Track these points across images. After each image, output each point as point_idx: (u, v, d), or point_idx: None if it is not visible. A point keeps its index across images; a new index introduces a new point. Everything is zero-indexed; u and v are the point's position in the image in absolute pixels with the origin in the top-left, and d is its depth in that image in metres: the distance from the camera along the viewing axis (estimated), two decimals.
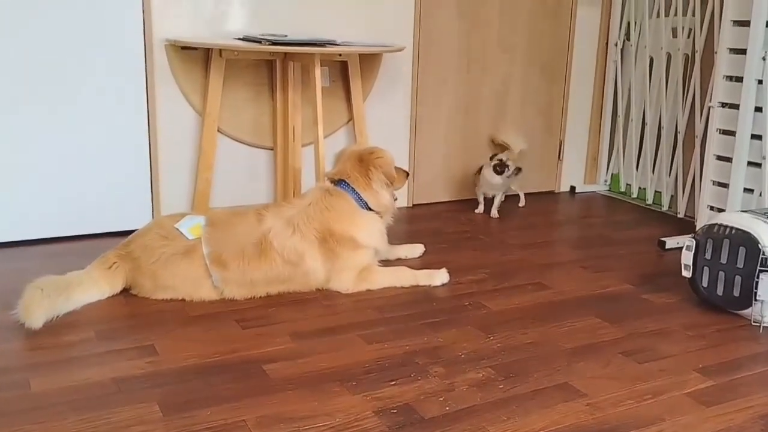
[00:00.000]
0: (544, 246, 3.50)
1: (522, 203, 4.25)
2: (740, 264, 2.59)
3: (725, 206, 3.35)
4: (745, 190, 3.31)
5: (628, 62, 4.42)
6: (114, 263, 2.68)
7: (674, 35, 4.09)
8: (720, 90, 3.40)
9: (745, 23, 3.24)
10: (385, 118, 4.00)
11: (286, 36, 3.37)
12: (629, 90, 4.42)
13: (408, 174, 3.09)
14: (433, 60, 4.08)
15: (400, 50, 3.49)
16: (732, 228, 2.63)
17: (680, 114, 4.05)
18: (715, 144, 3.44)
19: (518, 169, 3.97)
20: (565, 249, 3.46)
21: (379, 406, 1.95)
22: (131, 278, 2.68)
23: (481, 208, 4.07)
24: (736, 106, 3.31)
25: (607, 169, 4.66)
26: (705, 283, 2.71)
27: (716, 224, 2.69)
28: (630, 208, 4.29)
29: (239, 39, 3.38)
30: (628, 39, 4.40)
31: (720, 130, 3.42)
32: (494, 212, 3.98)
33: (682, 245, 2.83)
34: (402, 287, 2.86)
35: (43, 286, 2.42)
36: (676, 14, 4.05)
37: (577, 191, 4.66)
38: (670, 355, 2.34)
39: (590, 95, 4.62)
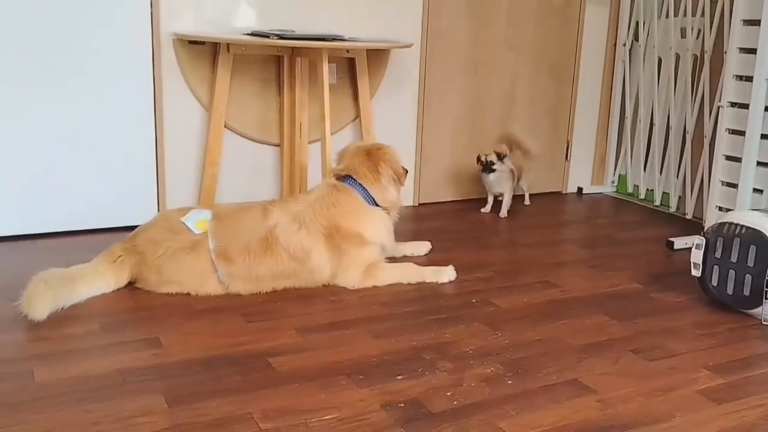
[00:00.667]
0: (551, 245, 3.47)
1: (527, 202, 4.23)
2: (751, 263, 2.56)
3: (734, 207, 3.32)
4: (755, 190, 3.29)
5: (636, 63, 4.40)
6: (119, 256, 2.67)
7: (683, 36, 4.07)
8: (730, 89, 3.37)
9: (756, 22, 3.21)
10: (392, 116, 3.98)
11: (293, 32, 3.35)
12: (637, 90, 4.40)
13: (407, 171, 3.07)
14: (441, 59, 4.07)
15: (408, 46, 3.48)
16: (742, 226, 2.61)
17: (689, 114, 4.03)
18: (724, 144, 3.42)
19: (511, 172, 3.91)
20: (572, 248, 3.44)
21: (386, 400, 1.93)
22: (137, 272, 2.67)
23: (488, 207, 4.05)
24: (745, 106, 3.29)
25: (615, 170, 4.64)
26: (715, 282, 2.68)
27: (726, 223, 2.67)
28: (637, 209, 4.26)
29: (247, 34, 3.36)
30: (637, 39, 4.38)
31: (729, 129, 3.39)
32: (503, 212, 3.95)
33: (690, 246, 2.80)
34: (408, 284, 2.84)
35: (48, 279, 2.40)
36: (685, 15, 4.04)
37: (584, 192, 4.63)
38: (680, 353, 2.31)
39: (598, 96, 4.60)
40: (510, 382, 2.06)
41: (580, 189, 4.66)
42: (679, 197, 4.16)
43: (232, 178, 3.64)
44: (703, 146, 3.92)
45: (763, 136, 3.23)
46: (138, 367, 2.07)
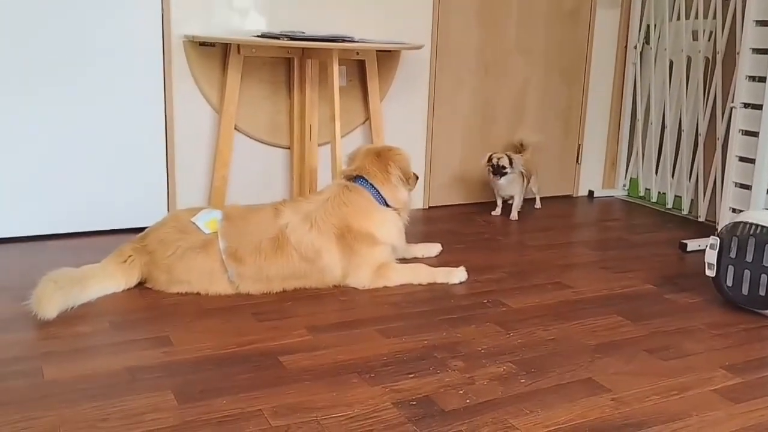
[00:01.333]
0: (563, 247, 3.45)
1: (537, 205, 4.21)
2: (766, 262, 2.53)
3: (748, 209, 3.28)
4: None
5: (647, 65, 4.38)
6: (129, 256, 2.66)
7: (694, 38, 4.05)
8: (743, 90, 3.35)
9: None
10: (402, 119, 3.97)
11: (303, 33, 3.35)
12: (648, 93, 4.37)
13: (417, 177, 3.06)
14: (451, 62, 4.06)
15: (418, 48, 3.47)
16: (758, 226, 2.58)
17: (701, 116, 4.00)
18: (737, 145, 3.39)
19: (521, 175, 3.89)
20: (584, 250, 3.41)
21: (398, 398, 1.91)
22: (146, 272, 2.66)
23: (498, 210, 4.03)
24: (759, 107, 3.26)
25: (626, 173, 4.61)
26: (729, 283, 2.65)
27: (741, 222, 2.64)
28: (649, 212, 4.23)
29: (257, 36, 3.36)
30: (648, 42, 4.36)
31: (743, 131, 3.36)
32: (514, 215, 3.93)
33: (703, 248, 2.77)
34: (419, 284, 2.82)
35: (57, 279, 2.40)
36: (696, 17, 4.01)
37: (595, 196, 4.60)
38: (694, 353, 2.28)
39: (609, 99, 4.58)
40: (523, 380, 2.04)
41: (591, 192, 4.63)
42: (692, 200, 4.12)
43: (242, 181, 3.63)
44: (715, 148, 3.89)
45: None
46: (147, 364, 2.05)
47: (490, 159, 3.84)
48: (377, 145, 3.29)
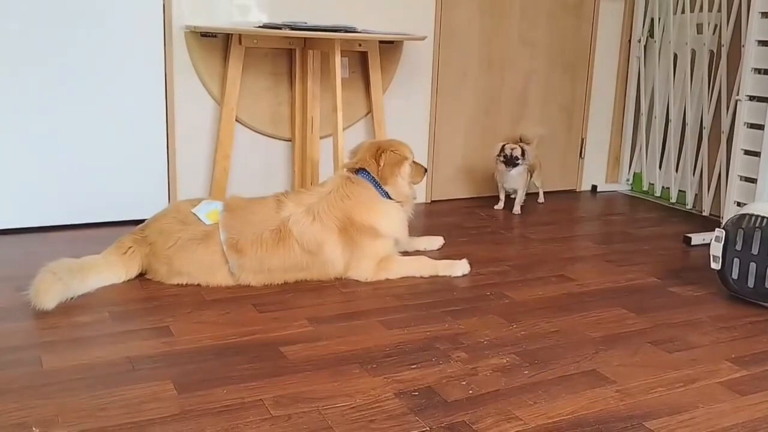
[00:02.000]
0: (566, 241, 3.42)
1: (541, 200, 4.19)
2: None
3: (753, 202, 3.26)
4: None
5: (651, 59, 4.35)
6: (130, 248, 2.64)
7: (699, 31, 4.02)
8: (748, 83, 3.32)
9: None
10: (405, 112, 3.95)
11: (305, 23, 3.33)
12: (652, 87, 4.34)
13: (426, 170, 3.03)
14: (454, 55, 4.03)
15: (421, 39, 3.44)
16: (764, 218, 2.55)
17: (705, 110, 3.97)
18: (742, 138, 3.36)
19: (525, 168, 3.87)
20: (587, 244, 3.38)
21: (400, 389, 1.89)
22: (147, 263, 2.64)
23: (501, 204, 4.00)
24: (764, 99, 3.23)
25: (630, 167, 4.58)
26: (735, 275, 2.62)
27: (747, 214, 2.61)
28: (653, 207, 4.20)
29: (259, 27, 3.34)
30: (652, 36, 4.33)
31: (748, 123, 3.34)
32: (516, 209, 3.91)
33: (708, 241, 2.75)
34: (422, 277, 2.80)
35: (56, 270, 2.38)
36: (701, 10, 3.98)
37: (598, 190, 4.58)
38: (700, 345, 2.26)
39: (613, 92, 4.55)
40: (526, 372, 2.02)
41: (594, 187, 4.60)
42: (696, 194, 4.10)
43: (243, 173, 3.61)
44: (720, 142, 3.87)
45: None
46: (147, 354, 2.04)
47: (502, 149, 3.81)
48: (381, 139, 3.27)
